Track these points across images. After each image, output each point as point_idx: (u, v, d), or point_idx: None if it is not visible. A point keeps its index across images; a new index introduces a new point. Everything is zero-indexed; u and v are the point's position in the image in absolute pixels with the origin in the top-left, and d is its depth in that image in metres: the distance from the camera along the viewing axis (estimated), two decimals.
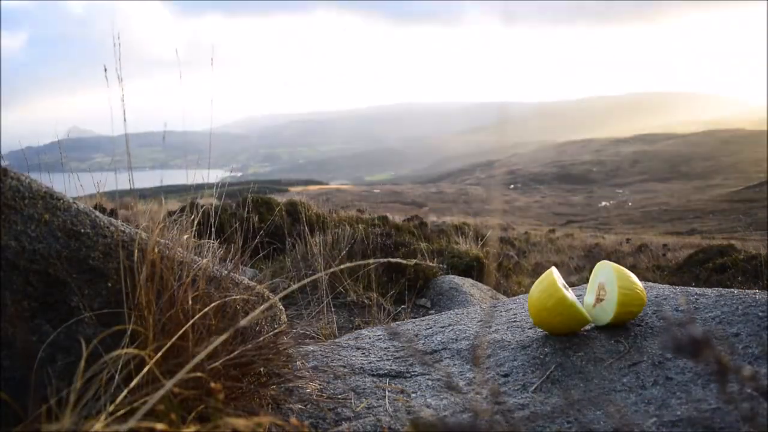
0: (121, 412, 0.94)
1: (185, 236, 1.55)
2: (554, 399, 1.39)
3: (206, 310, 1.29)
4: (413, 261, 4.04)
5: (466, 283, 4.22)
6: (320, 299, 3.22)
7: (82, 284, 1.31)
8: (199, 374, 1.08)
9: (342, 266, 0.96)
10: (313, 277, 0.98)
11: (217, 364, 1.21)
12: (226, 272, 1.53)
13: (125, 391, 1.01)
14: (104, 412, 0.97)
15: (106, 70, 1.21)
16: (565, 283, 1.67)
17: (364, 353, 1.95)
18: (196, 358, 0.74)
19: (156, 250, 1.35)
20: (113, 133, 1.35)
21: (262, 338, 1.38)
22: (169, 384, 0.67)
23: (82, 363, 1.02)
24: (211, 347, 0.73)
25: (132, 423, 0.66)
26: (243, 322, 0.78)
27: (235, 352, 1.24)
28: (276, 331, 1.54)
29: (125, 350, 1.18)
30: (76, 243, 1.33)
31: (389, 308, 3.62)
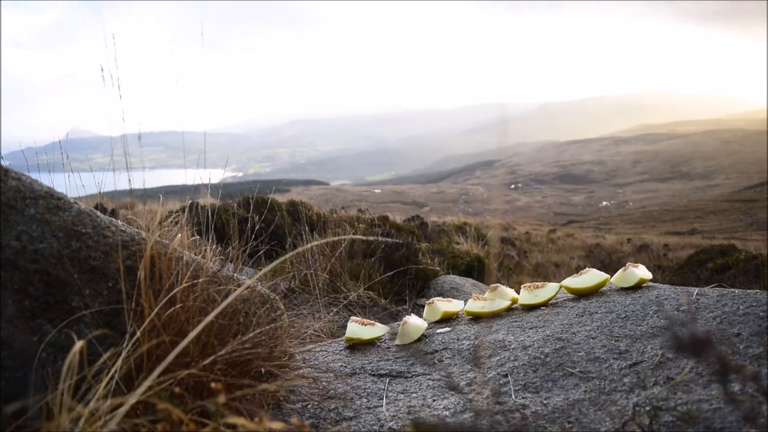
0: (122, 410, 0.94)
1: (185, 236, 1.55)
2: (555, 399, 1.38)
3: (211, 311, 1.29)
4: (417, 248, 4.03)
5: (467, 283, 4.22)
6: (321, 298, 3.22)
7: (83, 284, 1.31)
8: (193, 371, 1.08)
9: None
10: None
11: (211, 359, 1.21)
12: (226, 272, 1.53)
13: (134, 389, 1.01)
14: (101, 410, 0.97)
15: (102, 69, 1.21)
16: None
17: (364, 353, 1.95)
18: (179, 346, 0.73)
19: (156, 250, 1.35)
20: (112, 134, 1.35)
21: (258, 330, 1.38)
22: (154, 374, 0.67)
23: (75, 363, 1.02)
24: (198, 328, 0.73)
25: (118, 418, 0.66)
26: (224, 304, 0.78)
27: (230, 346, 1.23)
28: (275, 325, 1.53)
29: (125, 349, 1.18)
30: (77, 243, 1.33)
31: (390, 308, 3.62)
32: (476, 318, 2.24)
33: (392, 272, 3.86)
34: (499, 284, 2.35)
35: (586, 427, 1.22)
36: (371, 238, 1.27)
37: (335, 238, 1.28)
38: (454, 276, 4.40)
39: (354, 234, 4.50)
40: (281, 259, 1.12)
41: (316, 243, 1.34)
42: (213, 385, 0.92)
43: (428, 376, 1.67)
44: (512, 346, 1.76)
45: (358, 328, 2.10)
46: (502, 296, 2.28)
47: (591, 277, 2.23)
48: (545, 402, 1.37)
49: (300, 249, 1.29)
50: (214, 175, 1.86)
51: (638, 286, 2.18)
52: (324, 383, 1.62)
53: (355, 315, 3.35)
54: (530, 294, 2.22)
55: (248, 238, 1.79)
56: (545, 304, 2.19)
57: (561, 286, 2.24)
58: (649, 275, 2.22)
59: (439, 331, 2.10)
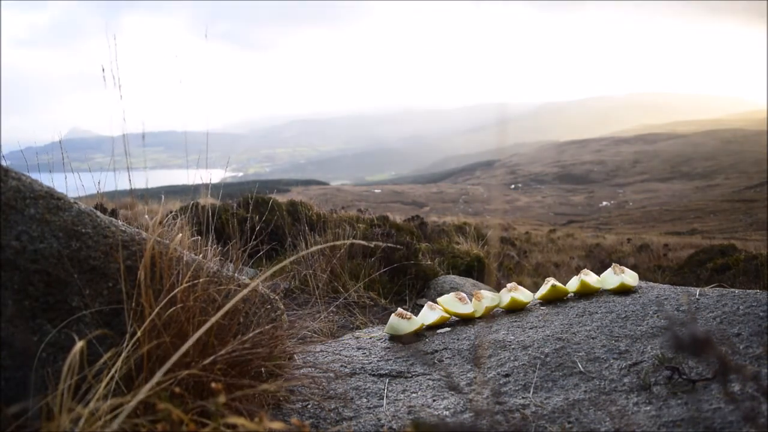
0: (123, 412, 0.94)
1: (185, 236, 1.55)
2: (555, 399, 1.38)
3: (212, 311, 1.29)
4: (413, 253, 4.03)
5: (467, 283, 4.22)
6: (321, 298, 3.22)
7: (83, 284, 1.31)
8: (193, 371, 1.08)
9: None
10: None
11: (211, 359, 1.21)
12: (226, 272, 1.53)
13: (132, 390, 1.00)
14: (101, 410, 0.97)
15: (104, 70, 1.21)
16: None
17: (365, 353, 1.95)
18: (184, 347, 0.73)
19: (156, 250, 1.35)
20: (113, 134, 1.35)
21: (258, 330, 1.38)
22: (158, 375, 0.67)
23: (75, 363, 1.02)
24: (203, 329, 0.73)
25: (121, 418, 0.66)
26: (229, 305, 0.78)
27: (230, 346, 1.23)
28: (275, 325, 1.53)
29: (125, 350, 1.18)
30: (77, 243, 1.33)
31: (390, 308, 3.62)
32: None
33: (390, 267, 3.86)
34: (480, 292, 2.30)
35: (586, 427, 1.22)
36: (372, 243, 1.28)
37: (337, 243, 1.28)
38: (454, 276, 4.39)
39: (354, 234, 4.50)
40: (285, 262, 1.12)
41: (317, 247, 1.34)
42: (213, 385, 0.92)
43: (428, 376, 1.67)
44: (512, 346, 1.76)
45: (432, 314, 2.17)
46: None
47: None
48: (545, 402, 1.37)
49: (302, 253, 1.30)
50: (214, 175, 1.86)
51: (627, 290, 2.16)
52: (324, 383, 1.62)
53: (355, 315, 3.35)
54: (616, 276, 2.16)
55: (248, 239, 1.79)
56: (624, 290, 2.13)
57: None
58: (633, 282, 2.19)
59: (439, 331, 2.10)
